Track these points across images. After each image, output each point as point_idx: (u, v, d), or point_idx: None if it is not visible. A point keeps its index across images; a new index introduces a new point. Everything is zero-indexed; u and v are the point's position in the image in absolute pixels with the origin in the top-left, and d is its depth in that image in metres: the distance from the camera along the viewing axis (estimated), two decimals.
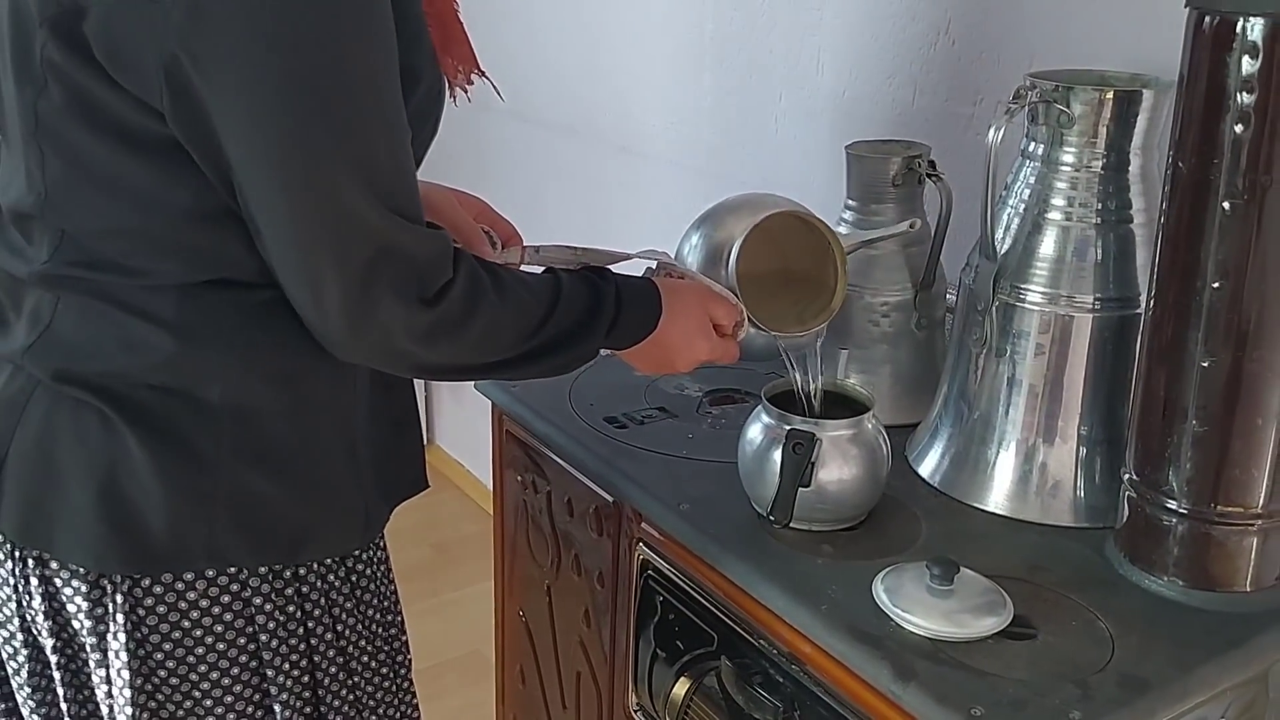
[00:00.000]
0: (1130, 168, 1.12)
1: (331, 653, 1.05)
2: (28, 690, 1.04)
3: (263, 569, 0.99)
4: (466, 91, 1.05)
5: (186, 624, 0.97)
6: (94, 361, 0.93)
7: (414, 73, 0.93)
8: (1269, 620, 1.02)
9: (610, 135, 2.25)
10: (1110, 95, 1.09)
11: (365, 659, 1.08)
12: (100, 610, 0.97)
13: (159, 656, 0.98)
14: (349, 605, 1.05)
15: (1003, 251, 1.16)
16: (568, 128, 2.37)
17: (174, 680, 0.99)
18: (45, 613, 0.99)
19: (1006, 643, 0.97)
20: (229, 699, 1.01)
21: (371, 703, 1.10)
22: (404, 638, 1.15)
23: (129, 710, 0.98)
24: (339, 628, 1.05)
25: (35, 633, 1.01)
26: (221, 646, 0.99)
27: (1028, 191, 1.15)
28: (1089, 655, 0.96)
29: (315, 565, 1.02)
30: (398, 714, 1.14)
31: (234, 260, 0.91)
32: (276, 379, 0.96)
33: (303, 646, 1.02)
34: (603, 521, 1.32)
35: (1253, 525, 1.02)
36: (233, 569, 0.98)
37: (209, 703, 1.00)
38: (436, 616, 2.59)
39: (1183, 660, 0.96)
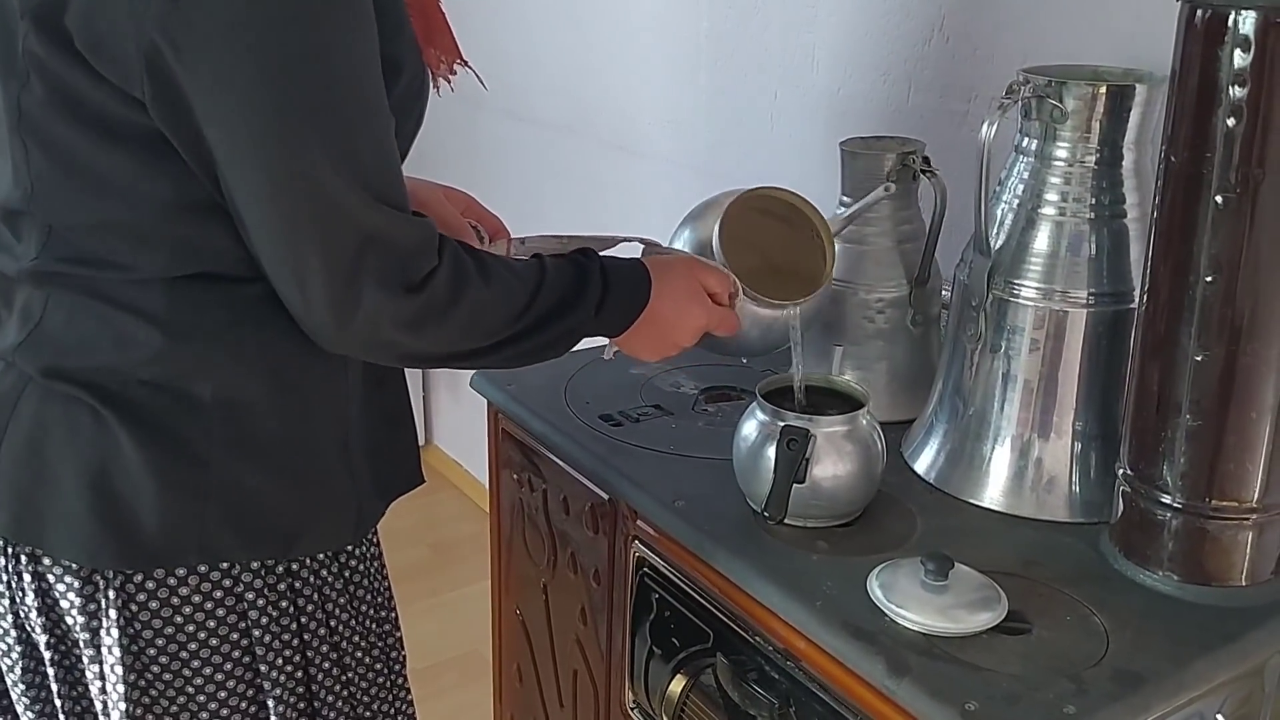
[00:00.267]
0: (1124, 162, 1.12)
1: (325, 648, 1.05)
2: (22, 687, 1.04)
3: (255, 564, 0.99)
4: (450, 82, 1.05)
5: (179, 620, 0.97)
6: (84, 358, 0.93)
7: (396, 63, 0.93)
8: (1264, 615, 1.02)
9: (606, 134, 2.25)
10: (1103, 90, 1.10)
11: (359, 654, 1.08)
12: (93, 606, 0.97)
13: (152, 652, 0.98)
14: (342, 601, 1.05)
15: (997, 247, 1.16)
16: (564, 126, 2.37)
17: (167, 676, 0.99)
18: (39, 609, 0.99)
19: (1001, 638, 0.97)
20: (222, 694, 1.01)
21: (366, 699, 1.10)
22: (398, 634, 1.15)
23: (123, 706, 0.98)
24: (332, 623, 1.05)
25: (29, 630, 1.01)
26: (215, 642, 0.99)
27: (1021, 187, 1.15)
28: (1084, 650, 0.96)
29: (308, 561, 1.02)
30: (393, 709, 1.14)
31: (220, 253, 0.91)
32: (267, 374, 0.96)
33: (296, 642, 1.03)
34: (598, 519, 1.32)
35: (1247, 519, 1.02)
36: (225, 564, 0.98)
37: (202, 698, 1.00)
38: (434, 616, 2.59)
39: (1177, 655, 0.96)
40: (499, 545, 1.59)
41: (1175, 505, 1.03)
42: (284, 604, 1.01)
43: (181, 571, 0.97)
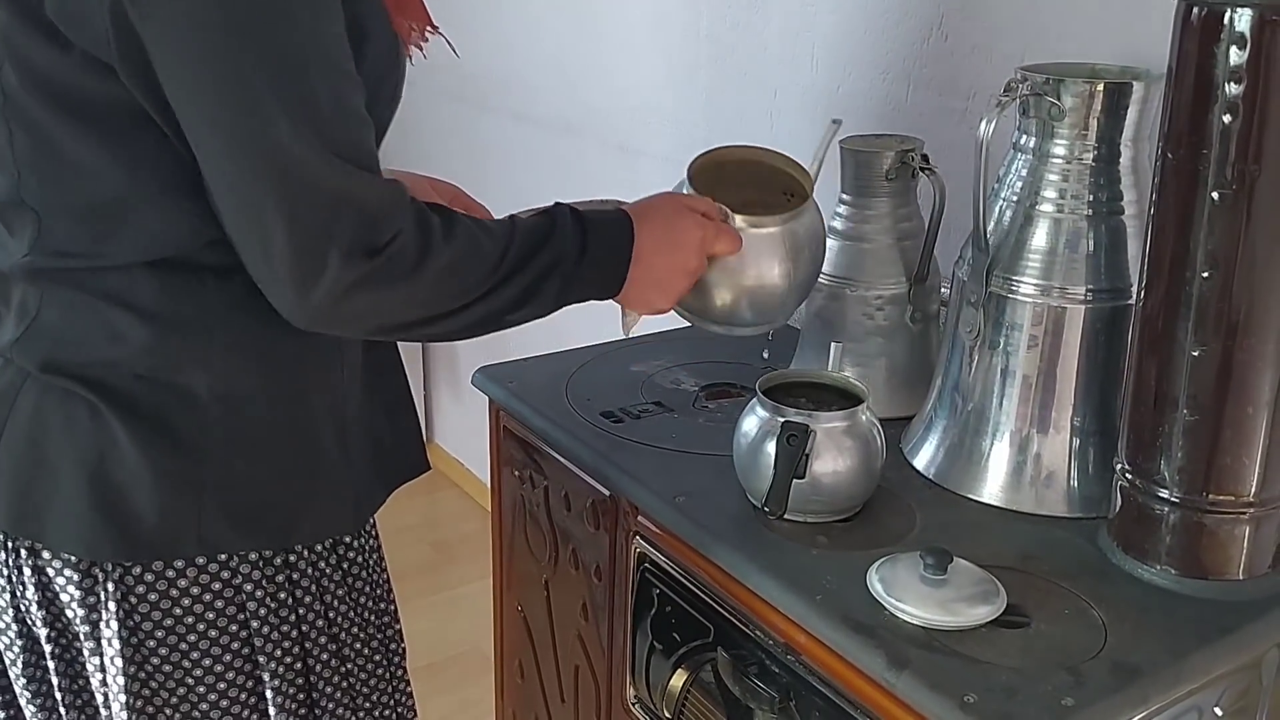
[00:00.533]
0: (1121, 159, 1.13)
1: (324, 640, 1.05)
2: (24, 681, 1.05)
3: (253, 556, 0.99)
4: (422, 49, 1.04)
5: (178, 612, 0.98)
6: (80, 352, 0.94)
7: (360, 27, 0.91)
8: (1261, 608, 1.03)
9: (606, 133, 2.25)
10: (1100, 88, 1.10)
11: (358, 646, 1.09)
12: (93, 599, 0.97)
13: (151, 644, 0.98)
14: (341, 593, 1.06)
15: (995, 244, 1.17)
16: (565, 126, 2.38)
17: (167, 668, 0.99)
18: (39, 603, 0.99)
19: (1000, 631, 0.97)
20: (222, 686, 1.01)
21: (365, 689, 1.11)
22: (398, 626, 1.16)
23: (123, 698, 0.99)
24: (331, 615, 1.05)
25: (30, 623, 1.02)
26: (213, 634, 1.00)
27: (1019, 184, 1.16)
28: (1082, 643, 0.97)
29: (305, 553, 1.03)
30: (392, 700, 1.14)
31: (199, 234, 0.90)
32: (262, 365, 0.97)
33: (295, 634, 1.03)
34: (599, 516, 1.32)
35: (1244, 514, 1.03)
36: (223, 556, 0.98)
37: (202, 689, 1.01)
38: (436, 614, 2.60)
39: (1175, 648, 0.97)
40: (500, 542, 1.60)
41: (1173, 500, 1.04)
42: (282, 595, 1.02)
43: (180, 563, 0.97)
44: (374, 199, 0.87)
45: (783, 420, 1.12)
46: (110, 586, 0.96)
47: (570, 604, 1.43)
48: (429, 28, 1.04)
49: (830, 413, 1.12)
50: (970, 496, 1.20)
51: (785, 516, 1.12)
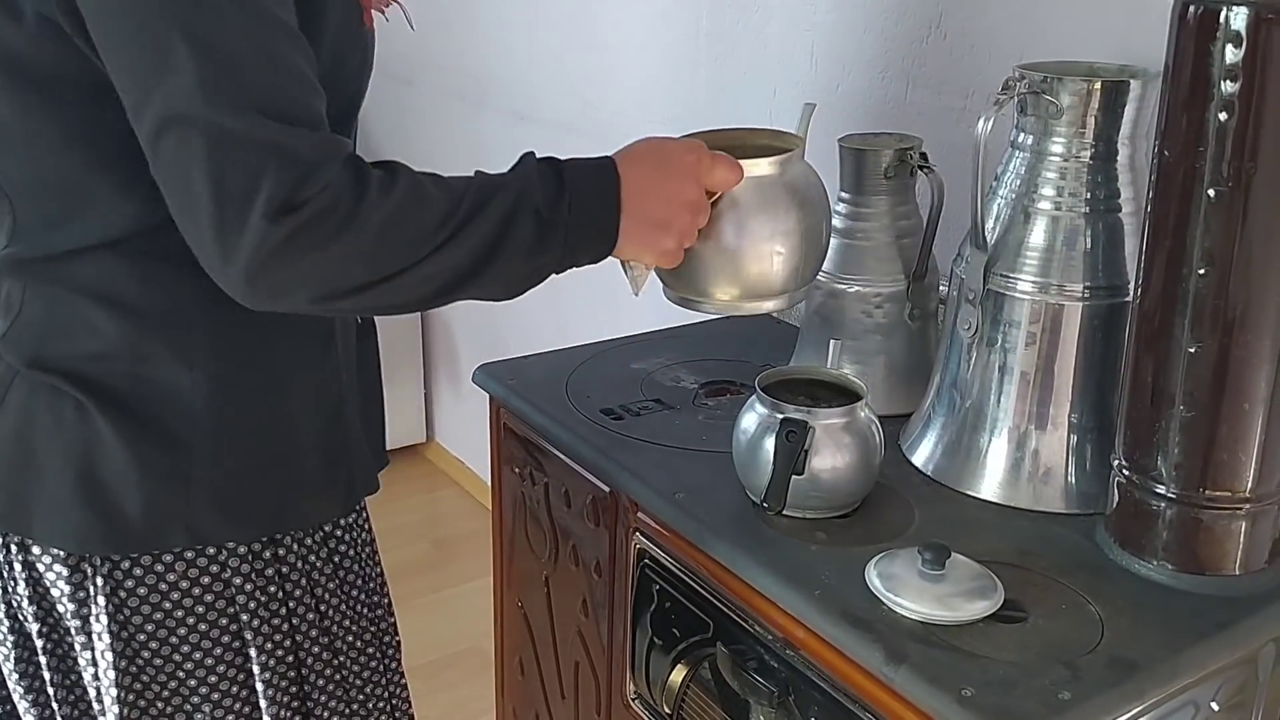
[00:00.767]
0: (1119, 157, 1.13)
1: (315, 633, 1.05)
2: (16, 676, 1.05)
3: (242, 550, 1.00)
4: (384, 14, 1.01)
5: (168, 605, 0.99)
6: (64, 346, 0.94)
7: None
8: (1258, 603, 1.04)
9: (607, 132, 2.26)
10: (1098, 86, 1.11)
11: (351, 639, 1.09)
12: (83, 594, 0.98)
13: (142, 638, 0.99)
14: (332, 586, 1.06)
15: (993, 241, 1.17)
16: (566, 124, 2.39)
17: (158, 661, 1.00)
18: (30, 598, 1.00)
19: (997, 626, 0.98)
20: (213, 679, 1.02)
21: (359, 682, 1.11)
22: (392, 620, 1.16)
23: (114, 692, 0.99)
24: (322, 608, 1.05)
25: (21, 619, 1.03)
26: (203, 628, 1.00)
27: (1017, 182, 1.17)
28: (1079, 637, 0.97)
29: (295, 546, 1.03)
30: (386, 692, 1.14)
31: (152, 210, 0.87)
32: (246, 356, 0.97)
33: (285, 627, 1.03)
34: (600, 512, 1.33)
35: (1241, 509, 1.04)
36: (211, 550, 0.99)
37: (193, 683, 1.01)
38: (437, 612, 2.61)
39: (1172, 642, 0.97)
40: (501, 539, 1.60)
41: (1169, 496, 1.04)
42: (273, 589, 1.02)
43: (168, 557, 0.98)
44: (303, 153, 0.81)
45: (782, 417, 1.12)
46: (99, 581, 0.97)
47: (570, 600, 1.44)
48: None
49: (829, 409, 1.13)
50: (968, 493, 1.20)
51: (784, 512, 1.12)
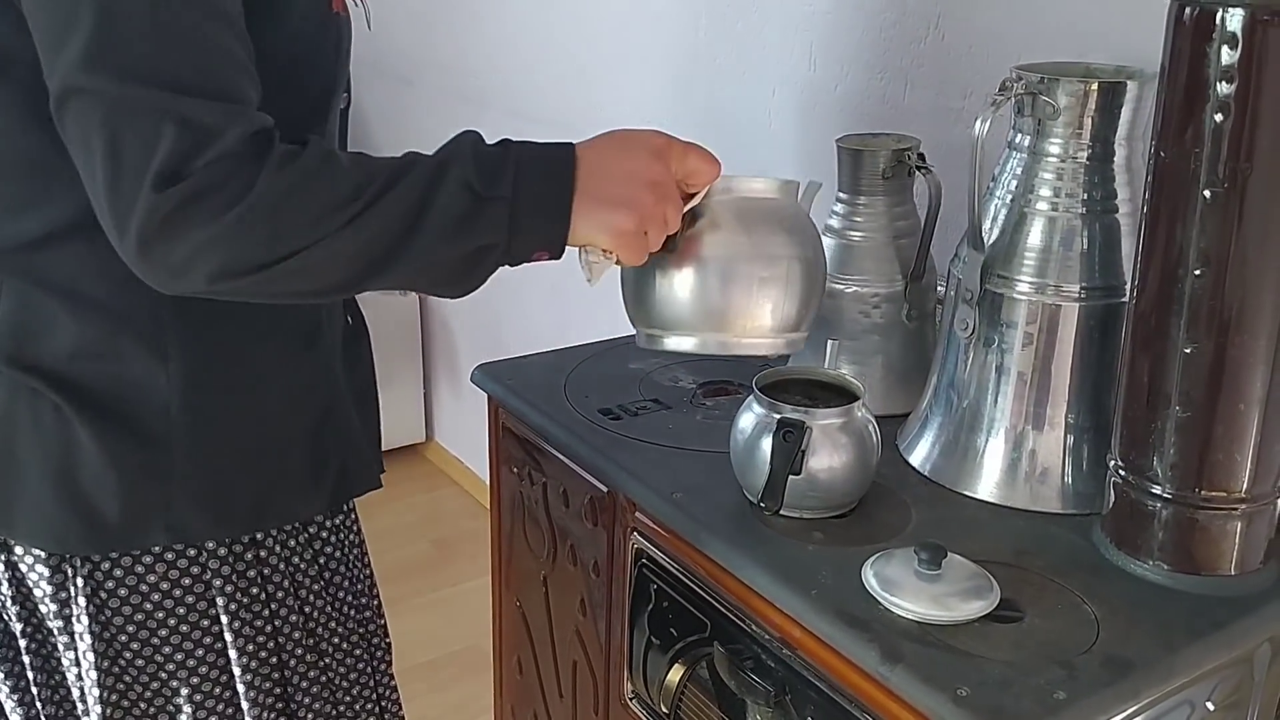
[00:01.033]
0: (1115, 158, 1.14)
1: (298, 634, 1.05)
2: (0, 675, 1.05)
3: (222, 551, 0.99)
4: (359, 2, 1.00)
5: (149, 605, 0.98)
6: (40, 346, 0.93)
7: None
8: (1253, 603, 1.04)
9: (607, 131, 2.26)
10: (1094, 87, 1.11)
11: (336, 641, 1.08)
12: (64, 594, 0.98)
13: (123, 638, 0.99)
14: (317, 587, 1.06)
15: (990, 242, 1.18)
16: (566, 124, 2.39)
17: (139, 662, 1.00)
18: (13, 598, 1.00)
19: (993, 625, 0.98)
20: (195, 680, 1.01)
21: (344, 684, 1.10)
22: (381, 621, 1.15)
23: (96, 692, 0.99)
24: (307, 609, 1.05)
25: (5, 618, 1.02)
26: (184, 628, 1.00)
27: (1014, 182, 1.17)
28: (1075, 637, 0.97)
29: (278, 547, 1.03)
30: (374, 694, 1.13)
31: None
32: (222, 352, 0.96)
33: (268, 628, 1.03)
34: (598, 512, 1.33)
35: (1236, 509, 1.04)
36: (192, 551, 0.98)
37: (175, 683, 1.01)
38: (435, 611, 2.61)
39: (1167, 642, 0.98)
40: (499, 539, 1.61)
41: (1165, 496, 1.04)
42: (254, 590, 1.01)
43: (148, 558, 0.97)
44: (201, 121, 0.77)
45: (779, 417, 1.12)
46: (80, 581, 0.97)
47: (568, 600, 1.44)
48: None
49: (826, 409, 1.13)
50: (965, 493, 1.20)
51: (781, 512, 1.13)
